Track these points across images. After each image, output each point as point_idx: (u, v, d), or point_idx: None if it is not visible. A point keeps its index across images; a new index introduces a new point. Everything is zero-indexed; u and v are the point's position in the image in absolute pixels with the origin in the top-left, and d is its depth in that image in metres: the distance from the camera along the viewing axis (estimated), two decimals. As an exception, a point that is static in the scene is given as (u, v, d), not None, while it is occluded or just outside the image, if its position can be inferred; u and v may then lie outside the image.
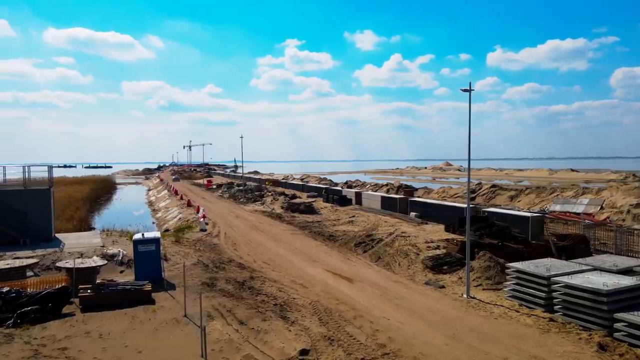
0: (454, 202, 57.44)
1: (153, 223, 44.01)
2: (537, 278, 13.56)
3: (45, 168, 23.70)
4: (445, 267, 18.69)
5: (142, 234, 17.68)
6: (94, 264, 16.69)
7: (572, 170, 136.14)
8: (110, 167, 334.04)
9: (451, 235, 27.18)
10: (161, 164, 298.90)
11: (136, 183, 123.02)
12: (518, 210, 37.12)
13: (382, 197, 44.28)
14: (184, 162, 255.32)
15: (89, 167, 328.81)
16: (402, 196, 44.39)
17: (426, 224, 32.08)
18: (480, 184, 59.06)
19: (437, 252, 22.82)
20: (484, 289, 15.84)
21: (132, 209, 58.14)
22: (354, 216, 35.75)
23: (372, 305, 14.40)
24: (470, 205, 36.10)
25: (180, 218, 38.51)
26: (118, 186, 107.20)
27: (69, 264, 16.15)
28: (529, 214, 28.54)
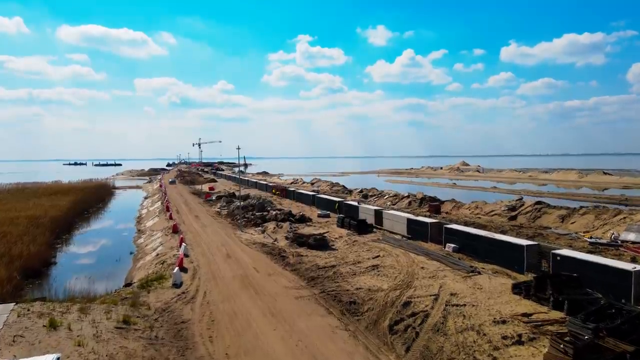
0: (491, 220, 48.61)
1: (131, 253, 36.34)
2: None
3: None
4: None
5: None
6: None
7: (605, 173, 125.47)
8: (120, 164, 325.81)
9: (527, 305, 18.58)
10: (171, 162, 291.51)
11: (137, 187, 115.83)
12: (596, 252, 28.44)
13: (409, 220, 36.10)
14: (194, 159, 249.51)
15: (99, 165, 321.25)
16: (434, 221, 35.99)
17: (478, 273, 23.68)
18: (522, 199, 50.23)
19: (524, 350, 14.59)
20: None
21: (116, 228, 50.58)
22: (378, 256, 27.57)
23: None
24: (531, 243, 27.56)
25: (158, 254, 30.68)
26: (116, 191, 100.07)
27: None
28: (630, 267, 20.05)
